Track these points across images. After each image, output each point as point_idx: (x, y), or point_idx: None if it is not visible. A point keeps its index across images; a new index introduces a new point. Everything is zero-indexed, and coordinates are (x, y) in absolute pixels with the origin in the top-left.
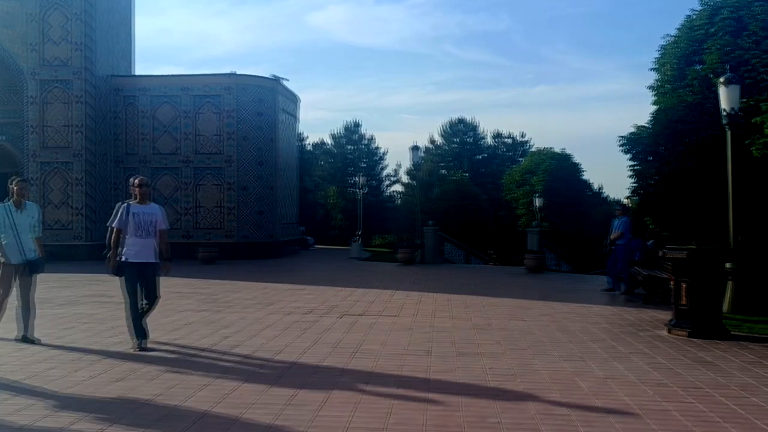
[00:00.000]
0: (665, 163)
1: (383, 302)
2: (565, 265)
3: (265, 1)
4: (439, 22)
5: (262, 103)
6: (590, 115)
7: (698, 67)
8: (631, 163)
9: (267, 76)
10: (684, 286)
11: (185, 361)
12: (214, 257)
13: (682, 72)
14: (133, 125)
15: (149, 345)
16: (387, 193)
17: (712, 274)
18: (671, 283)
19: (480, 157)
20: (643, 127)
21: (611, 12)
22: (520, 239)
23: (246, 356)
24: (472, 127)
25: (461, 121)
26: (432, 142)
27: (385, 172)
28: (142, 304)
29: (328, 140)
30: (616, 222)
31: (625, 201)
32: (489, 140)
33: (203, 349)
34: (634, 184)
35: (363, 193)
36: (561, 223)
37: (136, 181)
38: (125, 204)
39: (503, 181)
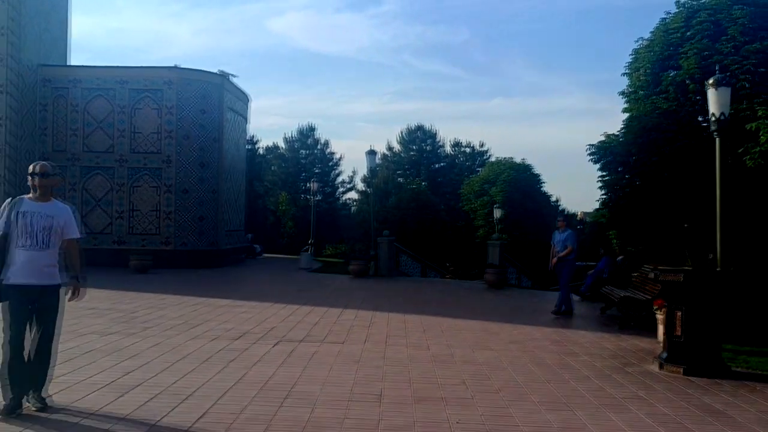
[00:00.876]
0: (638, 173)
1: (329, 324)
2: (525, 280)
3: (224, 4)
4: (398, 32)
5: (206, 99)
6: (546, 129)
7: (673, 73)
8: (601, 173)
9: (213, 71)
10: (679, 314)
11: (59, 413)
12: (147, 266)
13: (657, 77)
14: (63, 120)
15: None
16: (341, 201)
17: (713, 300)
18: (655, 307)
19: (438, 165)
20: (614, 135)
21: (567, 29)
22: (479, 251)
23: (142, 404)
24: (431, 135)
25: (419, 128)
26: (389, 149)
27: (340, 179)
28: (28, 352)
29: (282, 144)
30: (559, 235)
31: (580, 213)
32: (448, 149)
33: (89, 393)
34: (603, 196)
35: (316, 200)
36: (520, 235)
37: (37, 167)
38: (15, 199)
39: (462, 191)
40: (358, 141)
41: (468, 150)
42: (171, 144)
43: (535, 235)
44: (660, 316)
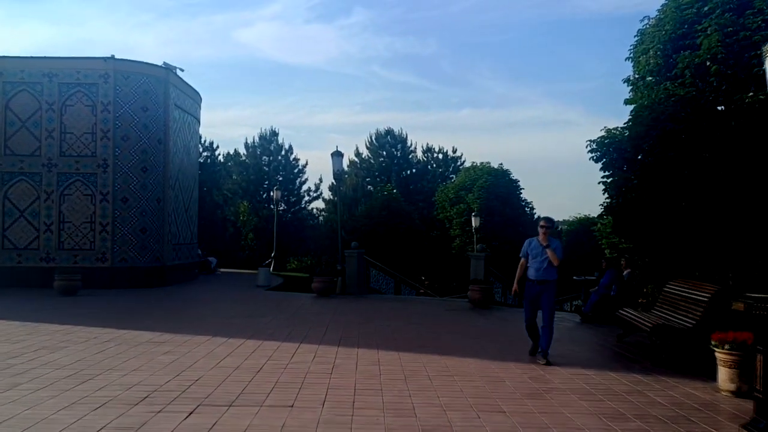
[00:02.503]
0: (650, 172)
1: (277, 369)
2: (510, 297)
3: (192, 15)
4: (367, 43)
5: (148, 95)
6: (515, 138)
7: (689, 54)
8: (604, 173)
9: (156, 63)
10: None
11: None
12: (75, 287)
13: (669, 60)
14: None
15: None
16: (307, 210)
17: None
18: (714, 342)
19: (409, 172)
20: (616, 130)
21: (533, 41)
22: (456, 263)
23: None
24: (401, 140)
25: (389, 132)
26: (358, 155)
27: (305, 187)
28: None
29: (243, 150)
30: (540, 247)
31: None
32: (419, 155)
33: None
34: (607, 200)
35: (279, 210)
36: (499, 245)
37: None
38: None
39: (436, 198)
40: (328, 151)
41: (440, 156)
42: (107, 146)
43: (514, 245)
44: (722, 356)
